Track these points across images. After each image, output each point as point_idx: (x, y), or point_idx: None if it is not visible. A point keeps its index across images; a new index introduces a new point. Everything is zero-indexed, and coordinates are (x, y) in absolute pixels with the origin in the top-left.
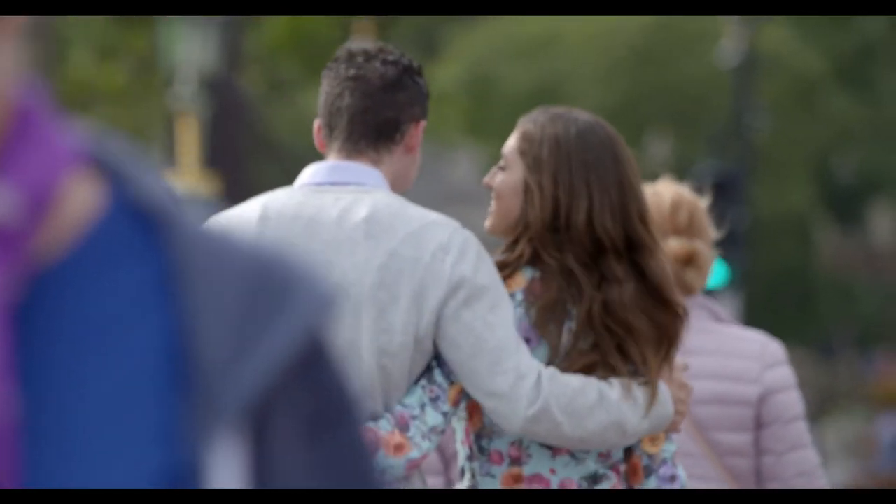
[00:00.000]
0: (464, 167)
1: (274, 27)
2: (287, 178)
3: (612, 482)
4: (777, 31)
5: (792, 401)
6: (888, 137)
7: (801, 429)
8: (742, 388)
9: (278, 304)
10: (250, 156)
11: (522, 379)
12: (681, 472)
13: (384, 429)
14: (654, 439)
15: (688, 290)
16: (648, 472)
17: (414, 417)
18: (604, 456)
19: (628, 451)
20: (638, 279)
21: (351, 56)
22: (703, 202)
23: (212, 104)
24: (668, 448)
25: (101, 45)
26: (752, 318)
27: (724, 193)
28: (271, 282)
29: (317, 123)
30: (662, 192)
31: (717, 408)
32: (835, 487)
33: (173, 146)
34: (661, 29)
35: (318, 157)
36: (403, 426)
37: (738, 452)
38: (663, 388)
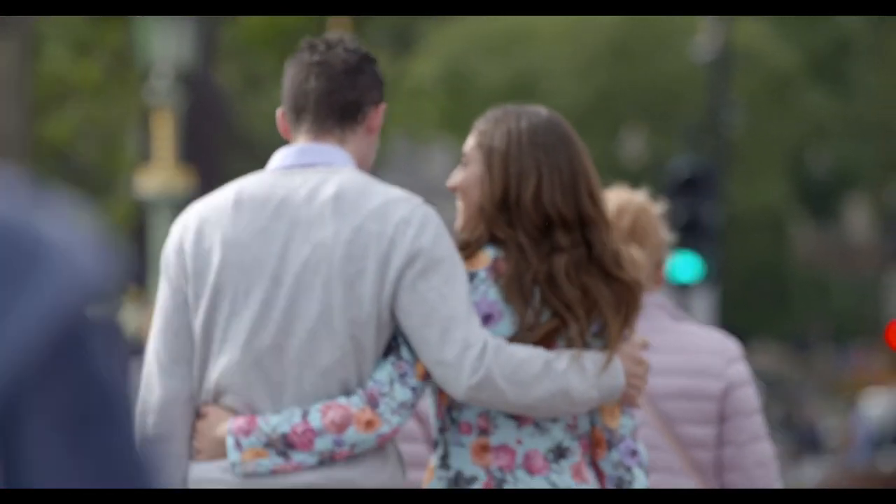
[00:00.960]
0: (439, 162)
1: (249, 22)
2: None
3: (577, 455)
4: (752, 27)
5: (751, 395)
6: (862, 133)
7: (759, 422)
8: (706, 383)
9: (19, 283)
10: (226, 150)
11: (468, 349)
12: (641, 448)
13: (356, 405)
14: (612, 414)
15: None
16: (609, 445)
17: (383, 394)
18: (571, 426)
19: (591, 423)
20: (588, 252)
21: (313, 46)
22: (656, 208)
23: (187, 99)
24: (625, 423)
25: (76, 40)
26: (728, 313)
27: (699, 189)
28: (13, 256)
29: (280, 111)
30: (609, 198)
31: (682, 402)
32: (808, 481)
33: (149, 141)
34: (636, 25)
35: None
36: (374, 402)
37: (701, 445)
38: (615, 361)
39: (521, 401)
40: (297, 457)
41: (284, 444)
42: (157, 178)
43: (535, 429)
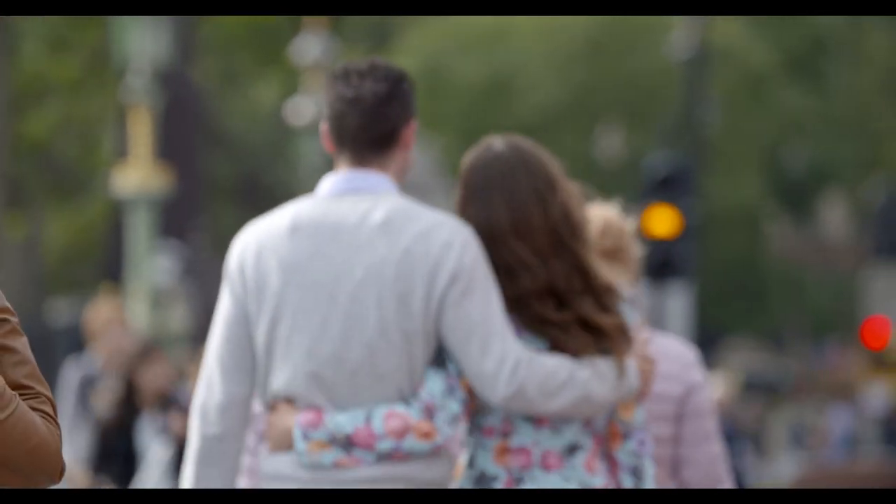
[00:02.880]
0: (416, 158)
1: (226, 20)
2: (238, 170)
3: (587, 450)
4: (728, 25)
5: (707, 398)
6: (838, 130)
7: (713, 422)
8: (667, 386)
9: None
10: (203, 148)
11: (504, 362)
12: (649, 439)
13: (415, 416)
14: (627, 408)
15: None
16: (626, 437)
17: (439, 407)
18: (586, 425)
19: (608, 418)
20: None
21: (347, 75)
22: (629, 224)
23: (164, 96)
24: (639, 415)
25: (53, 37)
26: (704, 310)
27: (676, 186)
28: None
29: (324, 127)
30: (592, 218)
31: (649, 404)
32: (783, 479)
33: (126, 138)
34: (613, 22)
35: (270, 150)
36: (431, 414)
37: (662, 442)
38: (630, 363)
39: (549, 408)
40: (359, 454)
41: (347, 442)
42: (133, 175)
43: (550, 431)
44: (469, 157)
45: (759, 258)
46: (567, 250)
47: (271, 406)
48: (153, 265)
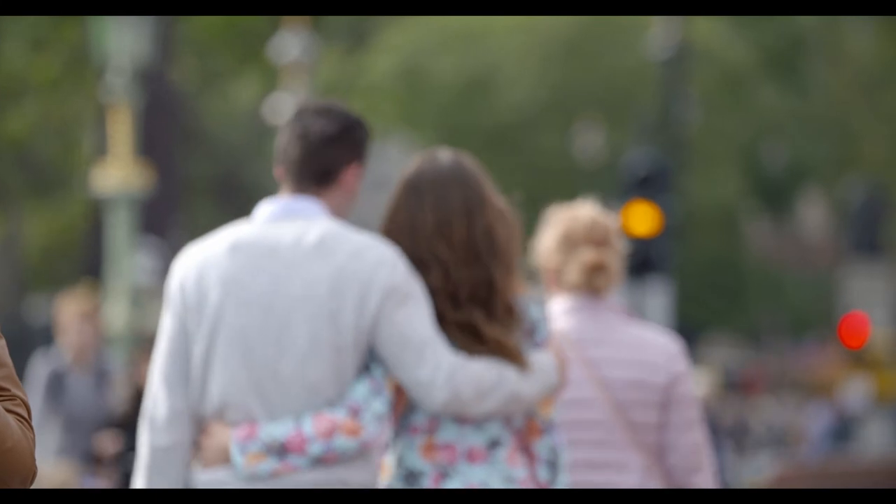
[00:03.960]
0: (395, 157)
1: (206, 20)
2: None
3: (508, 445)
4: (706, 24)
5: (690, 388)
6: (817, 129)
7: (696, 410)
8: (653, 376)
9: None
10: (182, 148)
11: (438, 370)
12: (560, 431)
13: (341, 416)
14: (545, 405)
15: (596, 290)
16: (542, 432)
17: (363, 408)
18: (506, 422)
19: (526, 414)
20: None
21: (304, 112)
22: (615, 222)
23: (144, 95)
24: (555, 411)
25: (32, 36)
26: (683, 307)
27: (654, 184)
28: None
29: (276, 165)
30: (581, 214)
31: (633, 391)
32: (761, 476)
33: (105, 137)
34: (591, 21)
35: (250, 151)
36: (356, 414)
37: (647, 428)
38: (550, 360)
39: (481, 409)
40: (293, 460)
41: (281, 450)
42: (113, 174)
43: (473, 427)
44: (413, 163)
45: (737, 256)
46: (481, 265)
47: (204, 429)
48: (132, 264)
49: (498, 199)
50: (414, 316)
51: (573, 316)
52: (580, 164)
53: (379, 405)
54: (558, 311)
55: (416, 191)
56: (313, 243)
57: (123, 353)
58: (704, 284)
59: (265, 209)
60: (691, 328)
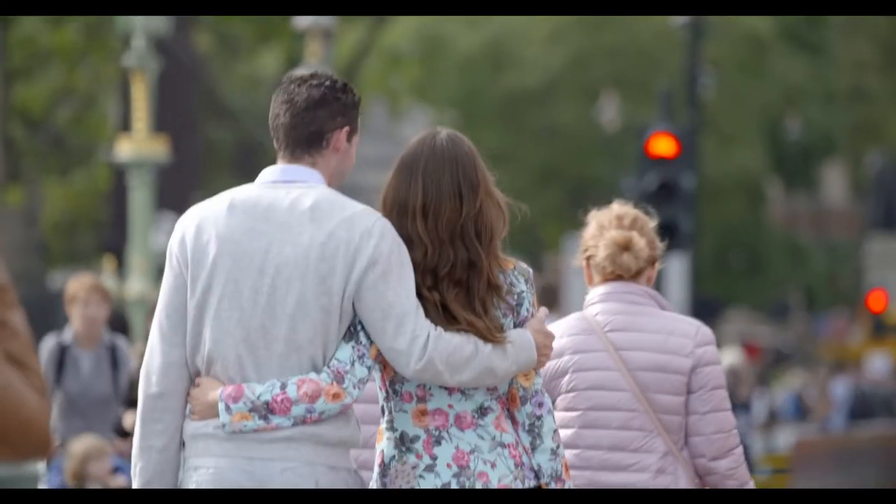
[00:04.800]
0: (415, 127)
1: None
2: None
3: (496, 412)
4: None
5: (716, 373)
6: (839, 99)
7: (721, 396)
8: (678, 360)
9: None
10: (202, 115)
11: (416, 339)
12: (546, 400)
13: (325, 381)
14: (527, 376)
15: (626, 271)
16: (524, 400)
17: (347, 372)
18: (491, 390)
19: (509, 384)
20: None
21: (290, 82)
22: (651, 220)
23: (164, 65)
24: (538, 381)
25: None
26: (702, 280)
27: (675, 154)
28: None
29: (272, 135)
30: (612, 207)
31: (657, 374)
32: (783, 448)
33: (125, 107)
34: None
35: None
36: (339, 379)
37: (671, 411)
38: (528, 337)
39: (455, 379)
40: (276, 420)
41: (266, 410)
42: (133, 144)
43: (461, 395)
44: (413, 140)
45: (758, 227)
46: (465, 246)
47: (195, 381)
48: (153, 234)
49: (491, 183)
50: (397, 287)
51: (603, 302)
52: (600, 133)
53: (361, 371)
54: (592, 298)
55: (409, 170)
56: (307, 208)
57: (143, 324)
58: (724, 256)
59: (265, 173)
60: (711, 301)
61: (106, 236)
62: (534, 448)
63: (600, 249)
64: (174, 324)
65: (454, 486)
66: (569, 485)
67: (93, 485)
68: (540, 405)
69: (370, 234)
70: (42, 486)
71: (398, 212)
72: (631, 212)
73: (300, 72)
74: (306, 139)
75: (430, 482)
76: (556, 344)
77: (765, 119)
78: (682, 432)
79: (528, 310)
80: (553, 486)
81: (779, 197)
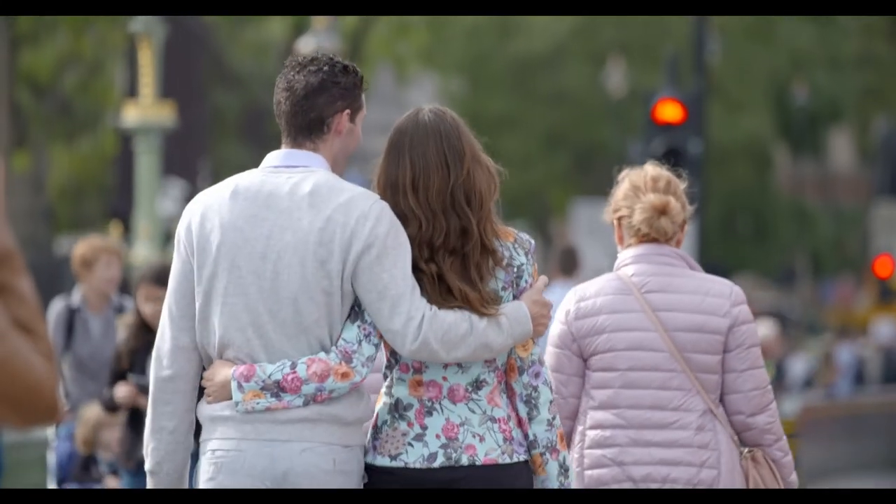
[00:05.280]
0: (422, 93)
1: None
2: (244, 104)
3: (491, 385)
4: None
5: (752, 331)
6: (846, 65)
7: (757, 353)
8: (715, 320)
9: None
10: (208, 82)
11: (411, 320)
12: (544, 371)
13: (334, 360)
14: (524, 346)
15: (662, 235)
16: (521, 371)
17: (354, 351)
18: (489, 362)
19: (507, 355)
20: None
21: (289, 66)
22: (681, 182)
23: (169, 30)
24: (535, 351)
25: None
26: (709, 245)
27: (682, 120)
28: None
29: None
30: (647, 169)
31: (694, 335)
32: (792, 413)
33: (132, 73)
34: None
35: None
36: (348, 358)
37: (708, 370)
38: (524, 309)
39: (451, 356)
40: (287, 398)
41: (278, 388)
42: (139, 109)
43: (457, 368)
44: (399, 120)
45: (765, 194)
46: (457, 214)
47: (208, 364)
48: (159, 199)
49: (478, 149)
50: (392, 268)
51: (637, 263)
52: (608, 98)
53: (369, 349)
54: (625, 259)
55: (396, 149)
56: (306, 194)
57: None
58: (731, 222)
59: (269, 158)
60: (718, 267)
61: (112, 202)
62: (530, 419)
63: (636, 212)
64: (183, 309)
65: (440, 457)
66: (563, 455)
67: (103, 452)
68: (537, 375)
69: (366, 217)
70: (51, 453)
71: (391, 190)
72: (665, 174)
73: (301, 56)
74: (307, 126)
75: (418, 451)
76: (591, 303)
77: (772, 85)
78: (718, 390)
79: (527, 281)
80: (548, 456)
81: (785, 163)
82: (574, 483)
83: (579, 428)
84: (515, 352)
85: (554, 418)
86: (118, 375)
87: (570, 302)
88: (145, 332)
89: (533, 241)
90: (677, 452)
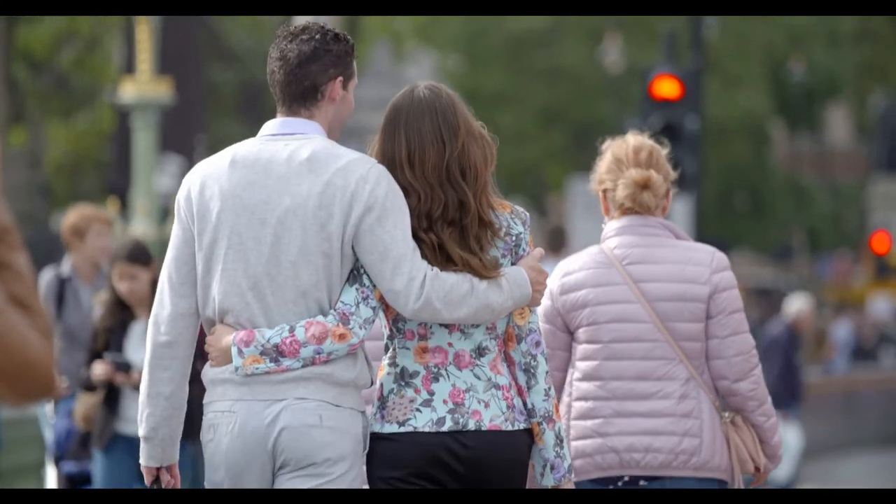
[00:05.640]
0: (417, 69)
1: None
2: (241, 80)
3: (494, 352)
4: None
5: (733, 297)
6: (843, 40)
7: (739, 319)
8: (696, 288)
9: None
10: (205, 58)
11: (413, 280)
12: (542, 339)
13: (331, 322)
14: (521, 314)
15: (645, 209)
16: (519, 339)
17: (352, 313)
18: (490, 329)
19: (506, 323)
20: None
21: (283, 37)
22: (663, 149)
23: None
24: (533, 319)
25: None
26: (707, 222)
27: (678, 96)
28: None
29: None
30: (628, 140)
31: (676, 304)
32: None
33: (130, 49)
34: None
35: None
36: (345, 320)
37: (691, 338)
38: (523, 273)
39: (453, 316)
40: (287, 362)
41: (276, 353)
42: (136, 85)
43: (461, 334)
44: (395, 97)
45: (762, 170)
46: (454, 186)
47: (210, 328)
48: (157, 175)
49: (473, 124)
50: (393, 230)
51: (620, 235)
52: (605, 74)
53: (366, 311)
54: (609, 231)
55: (392, 125)
56: (305, 160)
57: None
58: (728, 198)
59: (266, 127)
60: (715, 243)
61: (109, 178)
62: (529, 388)
63: (620, 188)
64: (183, 275)
65: (448, 422)
66: (559, 426)
67: None
68: (536, 344)
69: (366, 180)
70: (48, 430)
71: (387, 165)
72: (647, 144)
73: (293, 26)
74: (301, 94)
75: (426, 416)
76: (574, 277)
77: (769, 61)
78: (702, 357)
79: (524, 250)
80: (544, 426)
81: (783, 139)
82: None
83: (565, 399)
84: (513, 320)
85: (550, 388)
86: (95, 354)
87: (556, 276)
88: (120, 310)
89: (528, 214)
90: (660, 422)
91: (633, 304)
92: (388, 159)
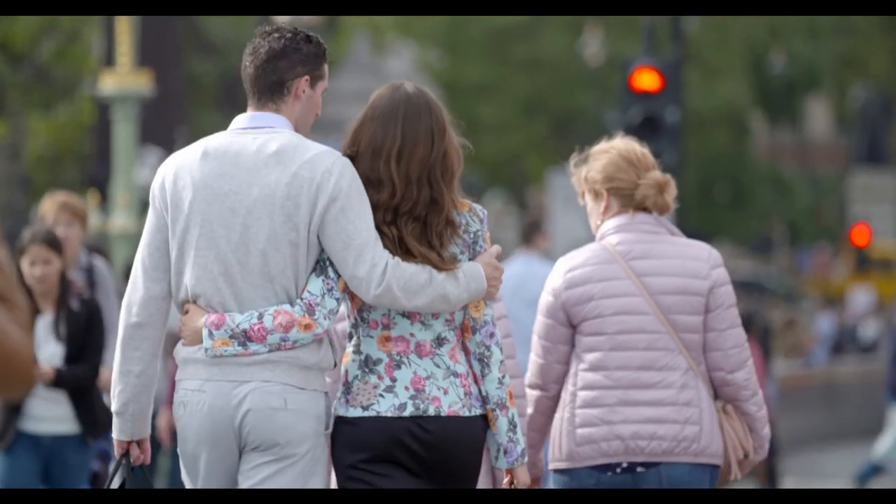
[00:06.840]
0: (398, 62)
1: None
2: (221, 71)
3: (452, 343)
4: None
5: (729, 292)
6: (823, 32)
7: (735, 313)
8: (696, 282)
9: None
10: (185, 50)
11: (375, 267)
12: (497, 332)
13: (298, 313)
14: (477, 307)
15: (662, 209)
16: (474, 330)
17: (318, 304)
18: (449, 320)
19: (463, 315)
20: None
21: (256, 35)
22: (647, 151)
23: None
24: (487, 312)
25: None
26: (686, 212)
27: (658, 88)
28: None
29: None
30: (629, 143)
31: (678, 297)
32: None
33: (109, 42)
34: None
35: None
36: (311, 311)
37: (691, 329)
38: (479, 269)
39: (411, 303)
40: (253, 347)
41: (245, 337)
42: (117, 77)
43: (422, 324)
44: (381, 90)
45: (742, 161)
46: (431, 184)
47: (184, 309)
48: (137, 168)
49: (450, 125)
50: (357, 220)
51: (620, 232)
52: (585, 65)
53: (331, 302)
54: (608, 228)
55: (388, 118)
56: (273, 152)
57: (126, 257)
58: (708, 190)
59: (236, 121)
60: (696, 236)
61: (90, 170)
62: (483, 376)
63: (642, 188)
64: (156, 261)
65: (410, 407)
66: (512, 412)
67: None
68: (490, 335)
69: (330, 172)
70: None
71: (372, 154)
72: (635, 149)
73: (268, 26)
74: (269, 88)
75: (389, 401)
76: (580, 273)
77: (749, 52)
78: (699, 349)
79: (481, 247)
80: (498, 412)
81: (763, 130)
82: (553, 444)
83: (570, 389)
84: (469, 312)
85: (504, 377)
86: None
87: (559, 273)
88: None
89: (486, 211)
90: (663, 411)
91: (637, 298)
92: (375, 149)
